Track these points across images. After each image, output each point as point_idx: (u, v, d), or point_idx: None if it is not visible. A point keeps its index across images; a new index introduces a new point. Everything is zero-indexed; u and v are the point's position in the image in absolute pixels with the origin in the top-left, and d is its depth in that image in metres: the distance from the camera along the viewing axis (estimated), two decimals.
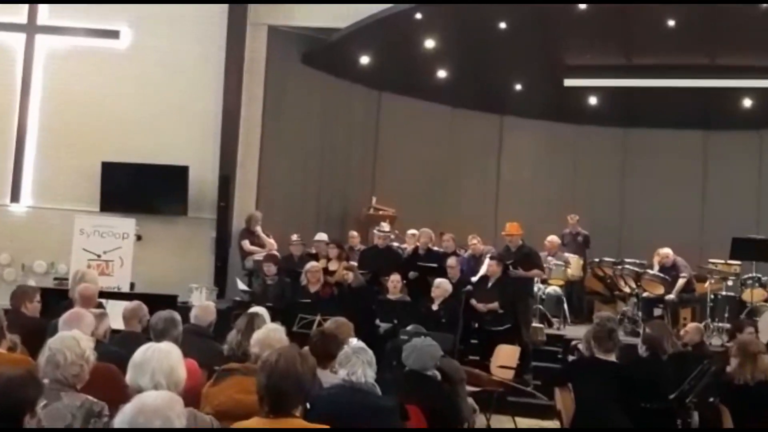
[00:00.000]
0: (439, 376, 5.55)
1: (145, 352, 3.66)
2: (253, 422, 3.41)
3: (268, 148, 12.64)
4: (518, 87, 14.51)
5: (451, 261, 10.27)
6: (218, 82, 11.90)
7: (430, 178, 14.81)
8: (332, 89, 13.65)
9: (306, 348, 4.75)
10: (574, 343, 8.02)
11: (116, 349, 5.12)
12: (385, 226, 11.40)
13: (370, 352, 4.56)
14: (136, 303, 6.11)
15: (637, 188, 15.04)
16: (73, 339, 3.84)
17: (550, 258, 11.93)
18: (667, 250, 11.45)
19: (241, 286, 10.65)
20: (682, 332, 8.43)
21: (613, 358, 6.02)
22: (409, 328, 6.65)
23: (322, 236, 11.60)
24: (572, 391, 6.20)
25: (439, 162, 14.96)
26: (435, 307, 9.46)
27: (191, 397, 3.56)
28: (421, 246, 10.91)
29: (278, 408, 3.34)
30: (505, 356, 9.13)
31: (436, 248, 11.09)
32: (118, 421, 2.88)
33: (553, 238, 12.39)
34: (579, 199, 14.87)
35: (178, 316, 5.52)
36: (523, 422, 8.91)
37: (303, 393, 3.40)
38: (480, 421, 7.72)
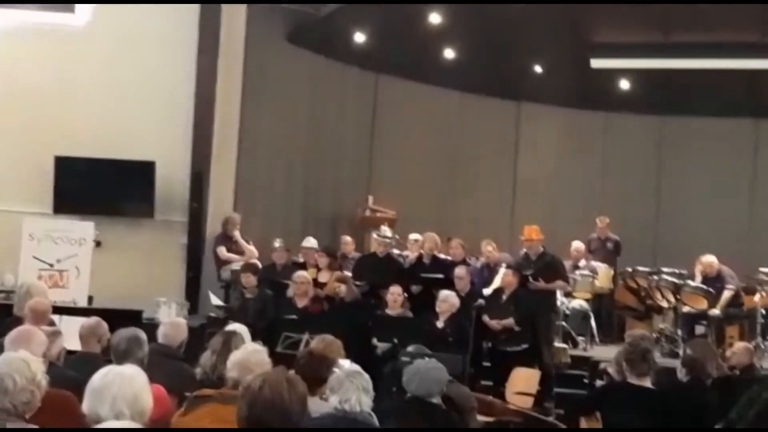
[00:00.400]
0: (443, 405, 5.55)
1: (104, 376, 3.66)
2: None
3: (248, 140, 12.65)
4: (538, 69, 14.53)
5: (460, 271, 10.27)
6: (190, 64, 11.89)
7: (436, 175, 14.84)
8: (322, 72, 13.68)
9: (293, 371, 4.75)
10: (603, 365, 8.06)
11: (72, 372, 5.13)
12: (386, 231, 11.41)
13: (366, 376, 4.57)
14: (94, 320, 6.11)
15: (676, 186, 15.08)
16: (23, 361, 3.82)
17: (575, 268, 11.94)
18: (710, 258, 11.46)
19: (215, 300, 10.63)
20: (728, 353, 8.44)
21: (648, 383, 6.01)
22: (410, 348, 6.65)
23: (310, 242, 11.60)
24: (600, 421, 6.21)
25: (446, 156, 14.99)
26: (440, 324, 9.48)
27: (158, 426, 3.55)
28: (426, 253, 10.91)
29: None
30: (523, 381, 9.16)
31: (442, 256, 11.10)
32: None
33: (578, 245, 12.40)
34: (608, 199, 14.91)
35: (143, 335, 5.53)
36: None
37: (290, 426, 3.40)
38: None
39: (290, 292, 10.09)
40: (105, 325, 6.05)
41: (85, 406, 3.64)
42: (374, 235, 11.58)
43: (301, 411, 3.45)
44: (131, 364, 4.71)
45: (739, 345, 8.43)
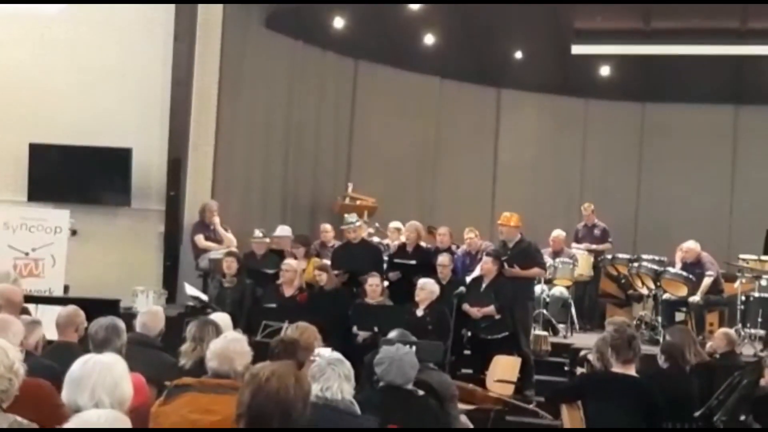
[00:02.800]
0: (419, 390, 5.57)
1: (84, 364, 3.65)
2: None
3: (225, 127, 12.60)
4: (518, 55, 14.57)
5: (443, 259, 10.28)
6: (166, 49, 11.83)
7: (416, 162, 14.86)
8: (300, 57, 13.64)
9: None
10: (583, 353, 8.08)
11: (49, 362, 5.12)
12: (351, 218, 11.31)
13: (348, 364, 4.58)
14: (71, 308, 6.10)
15: (656, 173, 15.16)
16: (0, 349, 3.82)
17: (556, 256, 12.01)
18: (691, 245, 11.54)
19: (191, 290, 10.52)
20: (708, 340, 8.53)
21: (632, 370, 6.03)
22: (392, 334, 6.66)
23: (285, 230, 11.59)
24: (582, 409, 6.26)
25: (426, 143, 15.00)
26: (420, 312, 9.49)
27: (138, 417, 3.56)
28: (409, 243, 10.90)
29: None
30: (504, 369, 9.19)
31: (425, 245, 11.11)
32: None
33: (559, 233, 12.45)
34: (589, 186, 15.00)
35: (122, 324, 5.53)
36: None
37: (290, 422, 3.41)
38: None
39: (280, 280, 10.10)
40: (82, 314, 6.04)
41: (65, 395, 3.64)
42: (341, 227, 11.43)
43: (302, 409, 3.45)
44: (117, 348, 4.74)
45: (719, 331, 8.52)
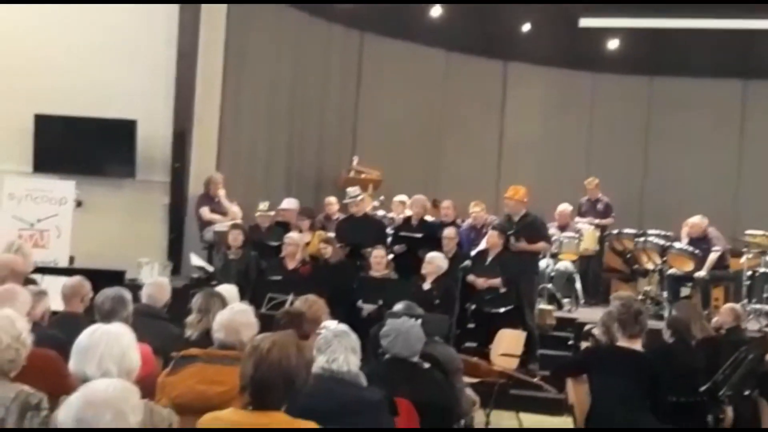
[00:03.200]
0: (425, 363, 5.59)
1: (91, 334, 3.67)
2: (229, 414, 3.44)
3: (231, 99, 12.58)
4: (525, 28, 14.50)
5: (449, 231, 10.30)
6: (171, 20, 11.78)
7: (421, 136, 14.82)
8: (306, 30, 13.58)
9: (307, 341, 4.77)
10: (588, 327, 8.11)
11: (54, 332, 5.14)
12: (354, 191, 11.31)
13: (354, 336, 4.58)
14: (77, 279, 6.12)
15: (664, 147, 15.11)
16: (7, 319, 3.84)
17: (562, 230, 11.99)
18: (697, 220, 11.53)
19: (196, 261, 10.58)
20: (714, 315, 8.54)
21: (638, 345, 6.04)
22: (399, 306, 6.66)
23: (291, 203, 11.59)
24: (587, 383, 6.28)
25: (432, 117, 14.96)
26: (427, 286, 9.50)
27: (144, 387, 3.57)
28: (415, 216, 10.90)
29: (261, 403, 3.39)
30: (508, 343, 9.20)
31: (430, 218, 11.11)
32: (63, 415, 2.89)
33: (565, 207, 12.43)
34: (595, 161, 14.95)
35: (128, 295, 5.56)
36: (529, 419, 9.02)
37: (292, 390, 3.44)
38: (478, 417, 7.81)
39: (283, 252, 10.10)
40: (88, 285, 6.06)
41: (72, 365, 3.65)
42: (344, 201, 11.40)
43: (305, 377, 3.51)
44: (123, 318, 4.75)
45: (726, 306, 8.51)
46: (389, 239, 10.77)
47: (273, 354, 3.41)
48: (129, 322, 5.03)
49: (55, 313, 5.90)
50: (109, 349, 3.60)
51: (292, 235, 10.31)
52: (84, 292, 5.97)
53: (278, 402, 3.42)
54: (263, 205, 11.26)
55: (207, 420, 3.49)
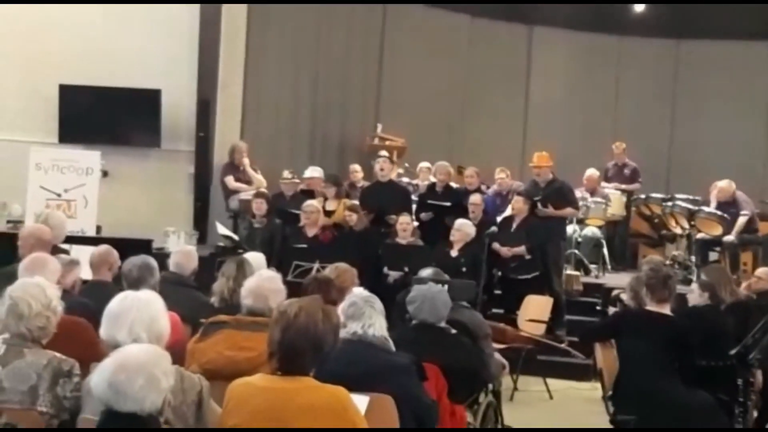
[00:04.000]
0: (452, 328, 5.60)
1: (122, 301, 3.70)
2: (258, 380, 3.46)
3: (254, 67, 12.58)
4: None
5: (475, 198, 10.28)
6: None
7: (446, 102, 14.75)
8: None
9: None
10: (615, 292, 8.11)
11: (85, 300, 5.19)
12: (383, 154, 11.28)
13: (379, 300, 4.60)
14: (104, 248, 6.16)
15: (691, 111, 14.99)
16: (38, 287, 3.87)
17: (591, 194, 11.94)
18: (725, 184, 11.44)
19: (222, 230, 10.61)
20: (743, 280, 8.47)
21: (667, 310, 6.04)
22: (426, 272, 6.66)
23: (316, 171, 11.59)
24: (615, 348, 6.27)
25: (456, 82, 14.88)
26: (454, 253, 9.49)
27: (173, 354, 3.61)
28: (439, 183, 10.87)
29: (289, 368, 3.41)
30: (535, 308, 9.23)
31: (455, 185, 11.08)
32: (96, 380, 2.93)
33: (592, 172, 12.36)
34: (622, 125, 14.85)
35: (154, 262, 5.60)
36: (556, 384, 9.04)
37: (320, 355, 3.45)
38: (506, 382, 7.84)
39: (302, 221, 10.10)
40: (115, 253, 6.10)
41: (103, 332, 3.69)
42: (378, 159, 11.36)
43: (333, 341, 3.52)
44: (151, 286, 4.78)
45: (764, 270, 8.38)
46: (414, 206, 10.74)
47: (300, 319, 3.42)
48: (156, 289, 5.07)
49: (85, 282, 5.94)
50: (140, 315, 3.63)
51: (312, 202, 10.29)
52: (112, 261, 6.01)
53: (307, 367, 3.44)
54: (287, 173, 11.25)
55: (236, 385, 3.51)
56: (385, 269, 9.53)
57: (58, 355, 3.76)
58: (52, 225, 6.78)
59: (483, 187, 11.60)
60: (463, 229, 9.56)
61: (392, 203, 10.47)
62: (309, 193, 11.16)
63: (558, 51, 15.14)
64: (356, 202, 10.80)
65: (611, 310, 8.33)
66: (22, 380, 3.64)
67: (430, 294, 5.41)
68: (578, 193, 11.41)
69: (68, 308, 4.21)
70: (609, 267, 11.94)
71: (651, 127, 14.99)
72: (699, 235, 11.35)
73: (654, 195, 12.84)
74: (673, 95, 15.24)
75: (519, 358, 8.35)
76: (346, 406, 3.45)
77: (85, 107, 11.48)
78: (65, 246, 7.15)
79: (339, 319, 3.58)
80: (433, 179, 11.21)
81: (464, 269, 9.11)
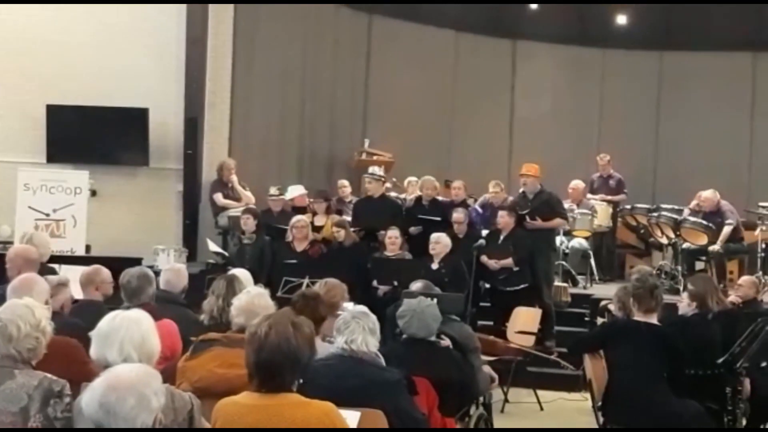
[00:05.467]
0: (442, 342, 5.60)
1: (111, 320, 3.69)
2: (244, 398, 3.45)
3: (241, 85, 12.58)
4: (533, 6, 14.41)
5: (457, 215, 10.27)
6: (180, 6, 11.77)
7: (432, 116, 14.78)
8: (314, 12, 13.54)
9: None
10: (603, 303, 8.10)
11: (75, 320, 5.18)
12: (377, 170, 11.32)
13: (373, 317, 4.60)
14: (92, 267, 6.16)
15: (675, 121, 15.04)
16: (26, 308, 3.85)
17: (574, 207, 11.96)
18: (709, 194, 11.48)
19: (213, 247, 10.64)
20: (735, 286, 8.51)
21: (654, 319, 6.05)
22: (416, 285, 6.67)
23: (297, 189, 11.65)
24: (604, 359, 6.27)
25: (442, 97, 14.91)
26: (435, 266, 9.49)
27: (166, 371, 3.60)
28: (425, 196, 10.89)
29: (270, 387, 3.39)
30: (524, 320, 9.22)
31: (441, 198, 11.10)
32: (86, 400, 2.91)
33: (577, 183, 12.40)
34: (607, 137, 14.91)
35: (151, 273, 5.63)
36: (547, 395, 9.03)
37: (299, 367, 3.44)
38: (496, 394, 7.83)
39: (289, 237, 10.10)
40: (104, 272, 6.10)
41: (93, 351, 3.68)
42: (365, 177, 11.42)
43: (309, 352, 3.50)
44: (144, 300, 4.78)
45: (746, 278, 8.48)
46: (404, 220, 10.75)
47: (271, 338, 3.40)
48: (154, 298, 5.08)
49: (75, 301, 5.93)
50: (130, 334, 3.62)
51: (301, 217, 10.30)
52: (98, 281, 6.01)
53: (287, 382, 3.41)
54: (274, 190, 11.27)
55: (223, 405, 3.49)
56: (375, 283, 9.53)
57: (48, 375, 3.73)
58: (37, 244, 6.79)
59: (471, 201, 11.62)
60: (441, 241, 9.57)
61: (384, 218, 10.50)
62: (299, 210, 11.17)
63: (542, 64, 15.19)
64: (344, 218, 10.81)
65: (599, 320, 8.33)
66: (13, 401, 3.62)
67: (420, 308, 5.41)
68: (565, 204, 11.43)
69: (59, 329, 4.19)
70: (596, 278, 11.97)
71: (636, 138, 15.06)
72: (685, 245, 11.38)
73: (639, 205, 12.88)
74: (657, 107, 15.30)
75: (509, 370, 8.35)
76: (335, 420, 3.44)
77: (72, 127, 11.46)
78: (53, 266, 7.13)
79: (311, 328, 3.56)
80: (420, 193, 11.22)
81: (446, 280, 9.09)
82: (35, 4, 11.57)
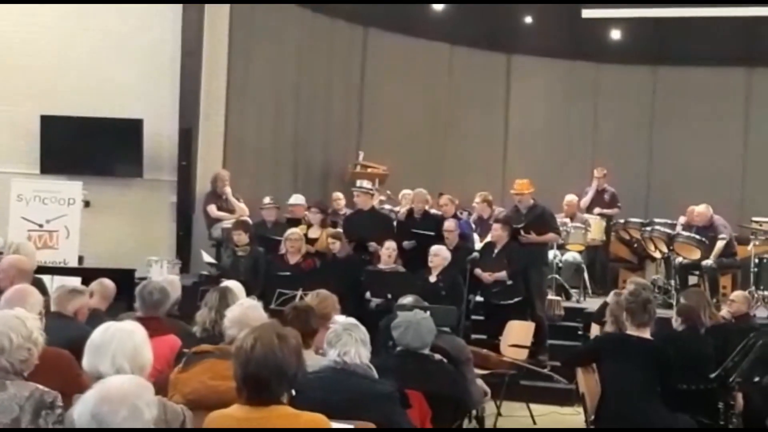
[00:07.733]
0: (435, 355, 5.59)
1: (104, 332, 3.68)
2: (235, 410, 3.44)
3: (236, 96, 12.59)
4: (528, 20, 14.47)
5: (449, 224, 10.28)
6: (175, 17, 11.79)
7: (426, 129, 14.81)
8: (309, 26, 13.59)
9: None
10: (589, 310, 8.10)
11: (87, 327, 5.18)
12: (365, 183, 11.31)
13: (363, 329, 4.59)
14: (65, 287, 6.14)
15: (669, 137, 15.08)
16: (18, 319, 3.84)
17: (568, 221, 11.97)
18: (702, 209, 11.51)
19: (207, 258, 10.64)
20: (727, 301, 8.53)
21: (647, 334, 6.05)
22: (407, 300, 6.67)
23: (298, 199, 11.60)
24: (597, 372, 6.27)
25: (437, 110, 14.95)
26: (433, 278, 9.49)
27: (158, 383, 3.60)
28: (417, 209, 10.89)
29: (260, 400, 3.38)
30: (517, 334, 9.20)
31: (433, 211, 11.11)
32: (79, 412, 2.90)
33: (571, 198, 12.42)
34: (601, 151, 14.94)
35: (169, 288, 5.67)
36: (540, 409, 9.01)
37: (287, 379, 3.42)
38: (489, 408, 7.82)
39: (283, 249, 10.10)
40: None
41: (85, 363, 3.67)
42: (353, 190, 11.39)
43: (296, 363, 3.48)
44: (158, 314, 4.90)
45: (738, 293, 8.50)
46: (397, 233, 10.74)
47: (257, 351, 3.38)
48: (174, 309, 5.11)
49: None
50: (122, 345, 3.61)
51: (295, 230, 10.30)
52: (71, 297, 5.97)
53: (276, 395, 3.39)
54: (268, 199, 11.26)
55: (214, 417, 3.49)
56: (367, 295, 9.52)
57: (40, 387, 3.71)
58: (25, 254, 6.77)
59: (464, 213, 11.64)
60: (441, 254, 9.57)
61: (375, 230, 10.48)
62: (294, 221, 11.16)
63: (536, 79, 15.24)
64: (339, 230, 10.80)
65: (593, 326, 8.35)
66: (5, 413, 3.60)
67: (416, 320, 5.41)
68: (558, 218, 11.44)
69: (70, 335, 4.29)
70: (590, 291, 11.96)
71: (629, 152, 15.09)
72: (678, 260, 11.40)
73: (633, 219, 12.92)
74: (650, 121, 15.35)
75: (502, 383, 8.32)
76: None
77: (66, 138, 11.45)
78: (46, 277, 7.12)
79: (298, 339, 3.55)
80: (411, 206, 11.21)
81: (443, 293, 9.10)
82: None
